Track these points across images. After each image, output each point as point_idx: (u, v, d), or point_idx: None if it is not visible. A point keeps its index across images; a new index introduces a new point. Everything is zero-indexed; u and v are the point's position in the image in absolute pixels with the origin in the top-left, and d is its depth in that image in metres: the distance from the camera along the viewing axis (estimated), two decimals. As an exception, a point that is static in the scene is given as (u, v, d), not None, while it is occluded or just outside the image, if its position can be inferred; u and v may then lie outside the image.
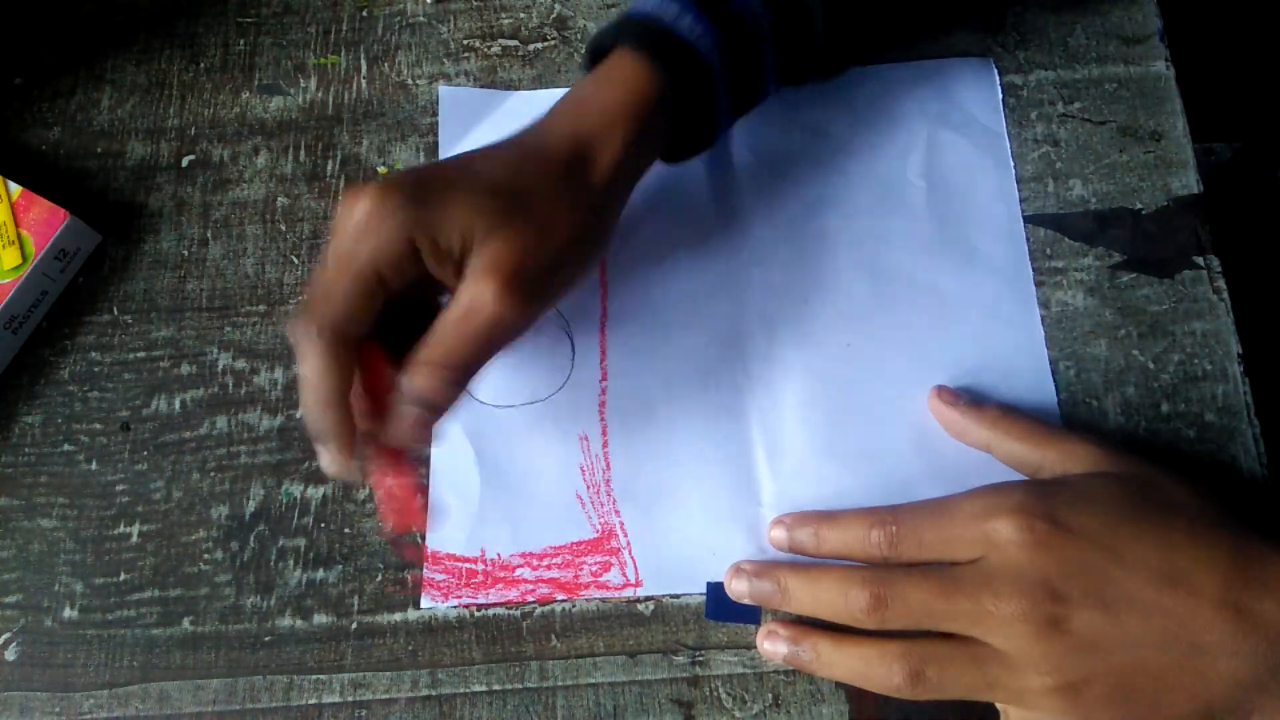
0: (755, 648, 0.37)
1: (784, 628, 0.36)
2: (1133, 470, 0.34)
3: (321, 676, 0.37)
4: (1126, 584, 0.31)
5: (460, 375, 0.33)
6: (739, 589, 0.36)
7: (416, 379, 0.32)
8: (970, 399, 0.38)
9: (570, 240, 0.34)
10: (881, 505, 0.36)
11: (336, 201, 0.44)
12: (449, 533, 0.39)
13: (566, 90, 0.37)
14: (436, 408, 0.33)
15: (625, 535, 0.38)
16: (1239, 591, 0.30)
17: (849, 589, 0.33)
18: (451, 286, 0.33)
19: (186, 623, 0.38)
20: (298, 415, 0.41)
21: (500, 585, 0.38)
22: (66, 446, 0.41)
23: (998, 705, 0.34)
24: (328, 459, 0.33)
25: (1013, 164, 0.43)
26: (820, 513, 0.37)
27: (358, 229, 0.32)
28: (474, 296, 0.32)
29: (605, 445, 0.40)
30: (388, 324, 0.34)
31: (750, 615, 0.37)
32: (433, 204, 0.32)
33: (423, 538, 0.39)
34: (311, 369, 0.32)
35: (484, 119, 0.45)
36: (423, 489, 0.38)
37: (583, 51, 0.46)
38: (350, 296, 0.32)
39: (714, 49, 0.36)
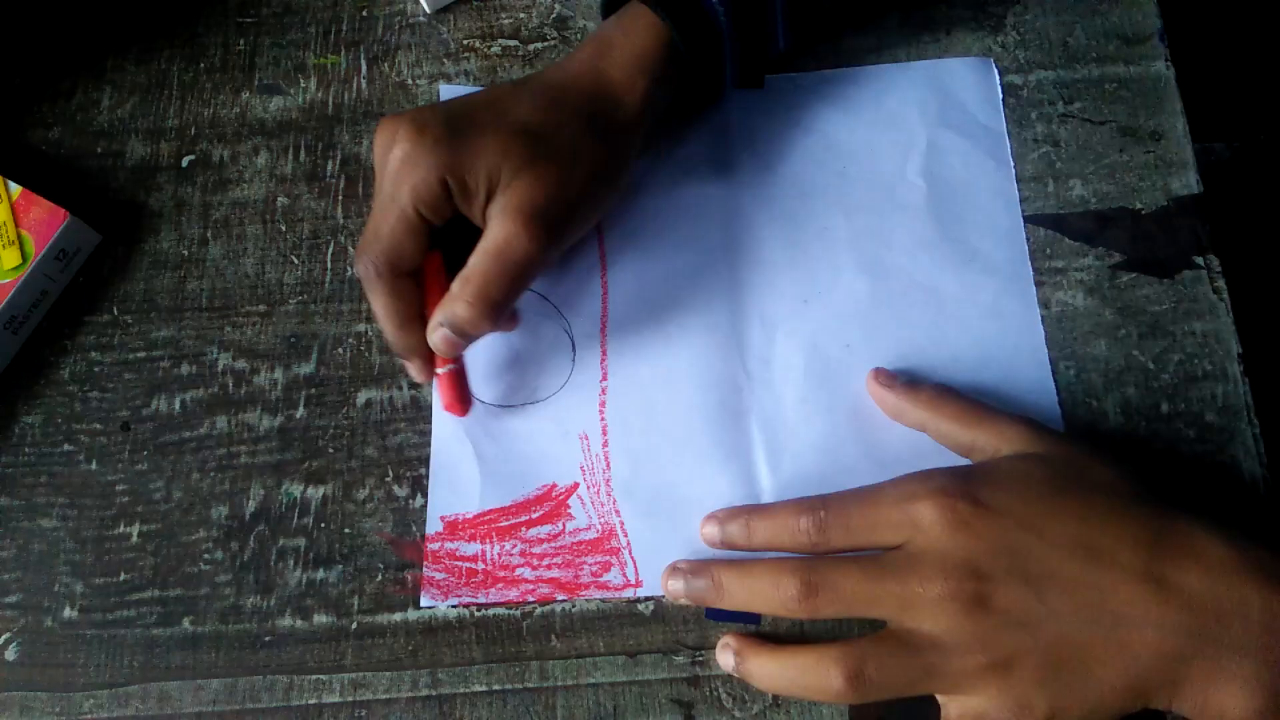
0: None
1: (731, 637, 0.36)
2: (1058, 451, 0.35)
3: (321, 676, 0.37)
4: (1049, 560, 0.31)
5: (490, 309, 0.35)
6: (675, 589, 0.36)
7: (453, 310, 0.35)
8: (907, 380, 0.39)
9: (590, 178, 0.37)
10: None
11: (338, 201, 0.44)
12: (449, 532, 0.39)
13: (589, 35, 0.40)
14: (466, 334, 0.36)
15: (625, 535, 0.38)
16: (1160, 565, 0.31)
17: (780, 578, 0.33)
18: (479, 223, 0.36)
19: (186, 623, 0.38)
20: (298, 415, 0.41)
21: (500, 585, 0.38)
22: (66, 446, 0.41)
23: (938, 699, 0.34)
24: (414, 370, 0.38)
25: (1013, 164, 0.43)
26: (750, 506, 0.37)
27: (396, 170, 0.35)
28: (501, 235, 0.35)
29: (605, 445, 0.40)
30: (449, 232, 0.37)
31: (750, 616, 0.37)
32: (462, 145, 0.35)
33: (423, 536, 0.39)
34: (379, 304, 0.36)
35: (484, 119, 0.45)
36: (461, 376, 0.39)
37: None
38: (397, 235, 0.35)
39: (726, 14, 0.38)
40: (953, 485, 0.33)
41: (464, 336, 0.36)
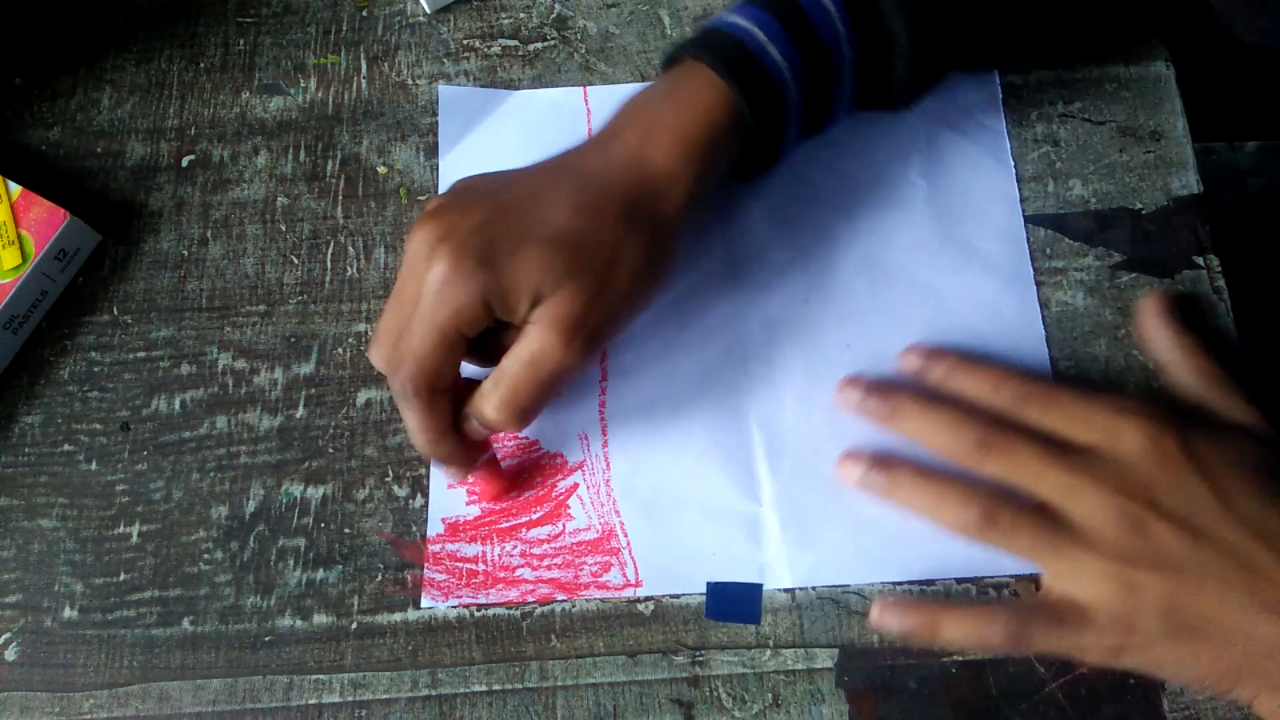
0: (755, 648, 0.37)
1: (866, 456, 0.36)
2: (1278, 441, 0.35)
3: (321, 676, 0.37)
4: (1221, 523, 0.32)
5: (519, 416, 0.35)
6: (850, 398, 0.37)
7: (482, 412, 0.35)
8: (1179, 319, 0.39)
9: (632, 281, 0.35)
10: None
11: (338, 201, 0.44)
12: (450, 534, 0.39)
13: (637, 93, 0.37)
14: (496, 431, 0.36)
15: (625, 535, 0.38)
16: None
17: (962, 423, 0.35)
18: (518, 324, 0.35)
19: (186, 623, 0.38)
20: (298, 415, 0.41)
21: (500, 585, 0.38)
22: (66, 446, 0.41)
23: (1043, 578, 0.34)
24: (449, 474, 0.38)
25: (1013, 164, 0.43)
26: (959, 356, 0.38)
27: (437, 294, 0.33)
28: (539, 346, 0.34)
29: (605, 445, 0.40)
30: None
31: (750, 616, 0.37)
32: (502, 264, 0.33)
33: (423, 536, 0.39)
34: (416, 421, 0.35)
35: (484, 118, 0.45)
36: (495, 464, 0.39)
37: (584, 51, 0.46)
38: (439, 357, 0.34)
39: (797, 80, 0.36)
40: (1169, 419, 0.34)
41: (490, 432, 0.36)
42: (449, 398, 0.36)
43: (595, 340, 0.35)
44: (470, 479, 0.39)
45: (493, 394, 0.35)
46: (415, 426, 0.35)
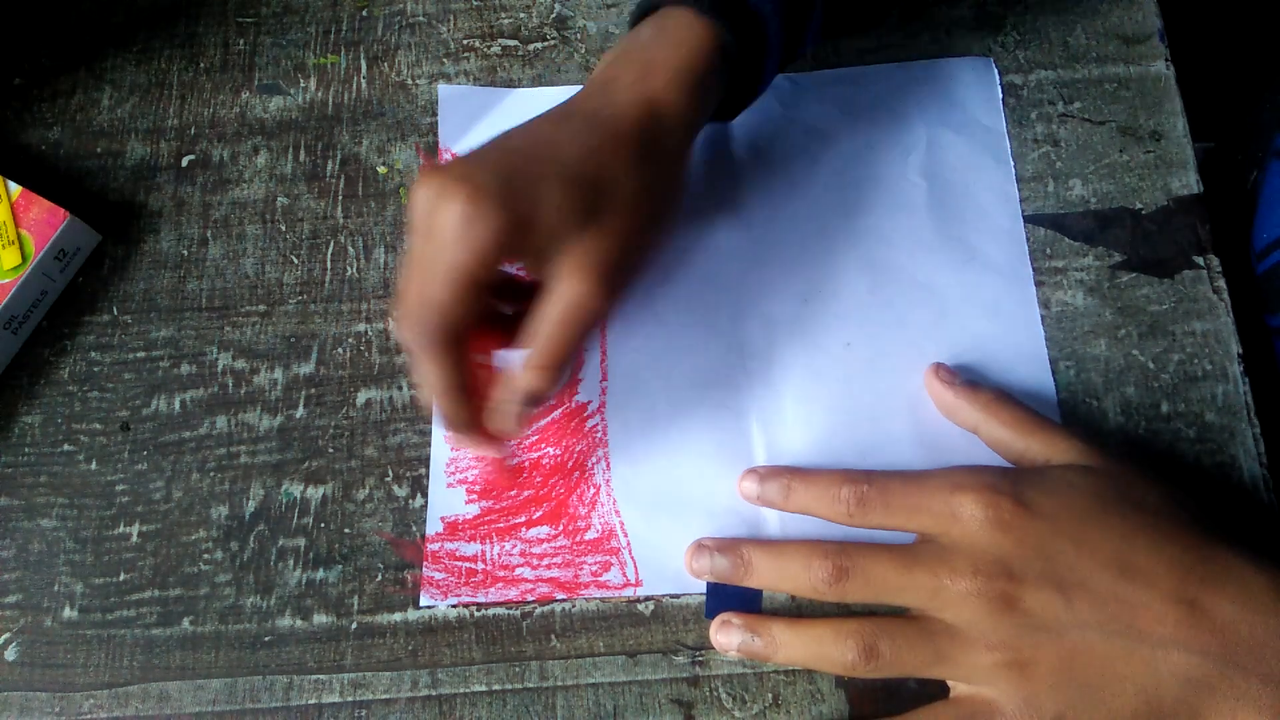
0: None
1: (738, 617, 0.36)
2: (1110, 467, 0.35)
3: (321, 676, 0.37)
4: (1083, 570, 0.31)
5: (563, 368, 0.34)
6: (700, 566, 0.36)
7: (526, 381, 0.34)
8: (966, 380, 0.39)
9: (653, 219, 0.35)
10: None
11: (338, 201, 0.44)
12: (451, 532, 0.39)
13: (621, 42, 0.37)
14: (540, 401, 0.35)
15: (625, 535, 0.38)
16: (1195, 588, 0.31)
17: (811, 559, 0.34)
18: (535, 275, 0.34)
19: (186, 623, 0.38)
20: (298, 415, 0.41)
21: (500, 585, 0.38)
22: (66, 446, 0.41)
23: (948, 682, 0.34)
24: (474, 447, 0.37)
25: (1013, 164, 0.43)
26: (792, 468, 0.37)
27: (453, 237, 0.31)
28: (572, 295, 0.33)
29: (605, 445, 0.40)
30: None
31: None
32: (521, 201, 0.32)
33: (423, 536, 0.39)
34: (432, 374, 0.33)
35: (484, 117, 0.45)
36: (510, 456, 0.39)
37: (584, 50, 0.46)
38: (455, 303, 0.32)
39: (776, 13, 0.37)
40: (1000, 483, 0.33)
41: (539, 404, 0.35)
42: (464, 355, 0.34)
43: (624, 281, 0.34)
44: (483, 458, 0.39)
45: (534, 359, 0.33)
46: (434, 382, 0.34)
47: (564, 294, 0.33)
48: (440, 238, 0.32)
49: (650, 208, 0.35)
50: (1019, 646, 0.31)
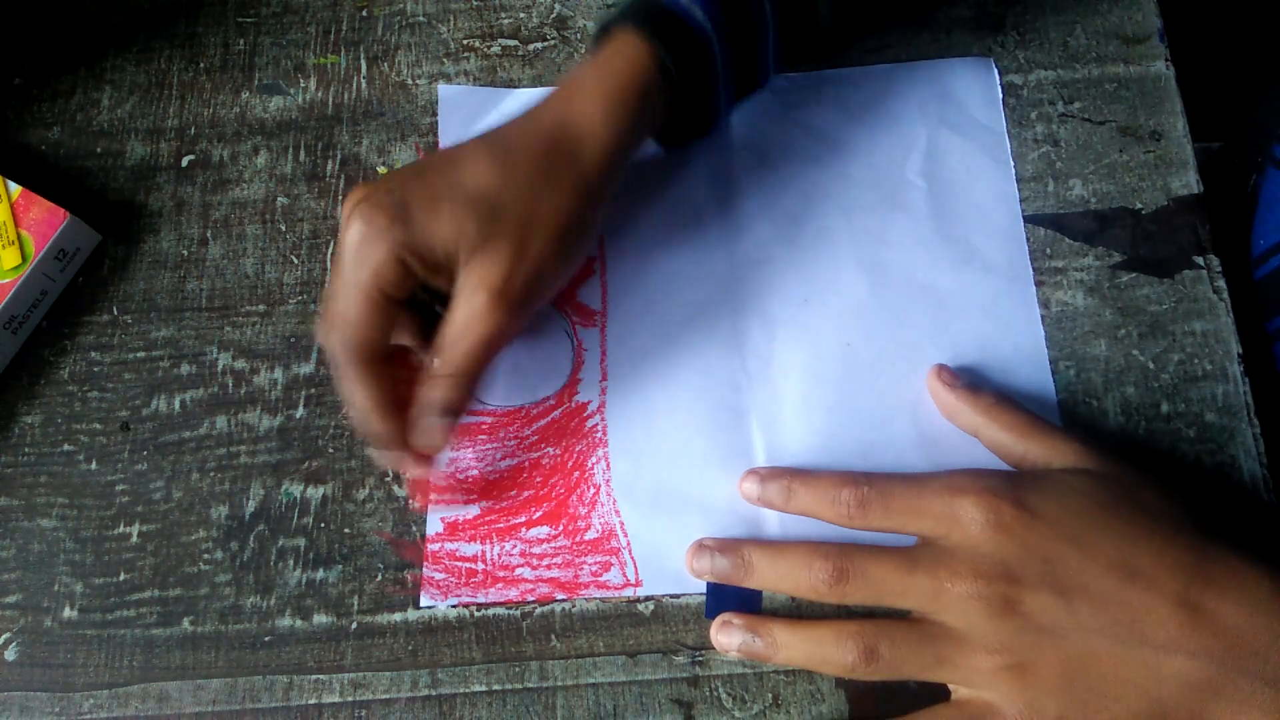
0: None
1: (738, 618, 0.36)
2: (1111, 471, 0.34)
3: (321, 676, 0.37)
4: (1084, 573, 0.31)
5: (469, 381, 0.35)
6: (700, 566, 0.36)
7: (433, 393, 0.35)
8: (969, 382, 0.38)
9: (553, 239, 0.35)
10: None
11: (338, 201, 0.44)
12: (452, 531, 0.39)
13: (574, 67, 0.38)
14: (455, 412, 0.35)
15: (625, 535, 0.38)
16: (1198, 592, 0.31)
17: (812, 560, 0.34)
18: (446, 291, 0.35)
19: (186, 623, 0.38)
20: (298, 415, 0.41)
21: (500, 585, 0.38)
22: (66, 446, 0.41)
23: (949, 685, 0.34)
24: (404, 463, 0.36)
25: (1013, 164, 0.43)
26: (793, 469, 0.37)
27: (354, 254, 0.34)
28: (467, 312, 0.34)
29: (605, 445, 0.40)
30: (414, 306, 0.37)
31: (750, 615, 0.37)
32: (416, 224, 0.34)
33: (423, 536, 0.39)
34: (351, 389, 0.35)
35: (484, 118, 0.45)
36: (443, 475, 0.39)
37: (583, 50, 0.46)
38: (365, 317, 0.34)
39: (716, 31, 0.37)
40: (1001, 487, 0.33)
41: (455, 415, 0.35)
42: (385, 372, 0.35)
43: (524, 301, 0.35)
44: (408, 473, 0.38)
45: (436, 369, 0.35)
46: (349, 394, 0.35)
47: (463, 308, 0.34)
48: (345, 256, 0.34)
49: (552, 230, 0.35)
50: (1019, 650, 0.31)
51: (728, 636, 0.36)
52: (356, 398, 0.35)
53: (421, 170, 0.35)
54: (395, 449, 0.36)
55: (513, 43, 0.47)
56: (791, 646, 0.34)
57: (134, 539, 0.39)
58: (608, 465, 0.39)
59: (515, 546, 0.38)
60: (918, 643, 0.32)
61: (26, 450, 0.41)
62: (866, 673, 0.33)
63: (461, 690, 0.37)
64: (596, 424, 0.40)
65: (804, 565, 0.34)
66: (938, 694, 0.34)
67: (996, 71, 0.45)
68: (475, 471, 0.39)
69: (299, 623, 0.38)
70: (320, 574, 0.38)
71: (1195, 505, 0.34)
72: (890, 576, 0.33)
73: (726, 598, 0.37)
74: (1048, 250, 0.42)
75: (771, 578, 0.35)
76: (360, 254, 0.34)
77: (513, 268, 0.34)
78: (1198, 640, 0.30)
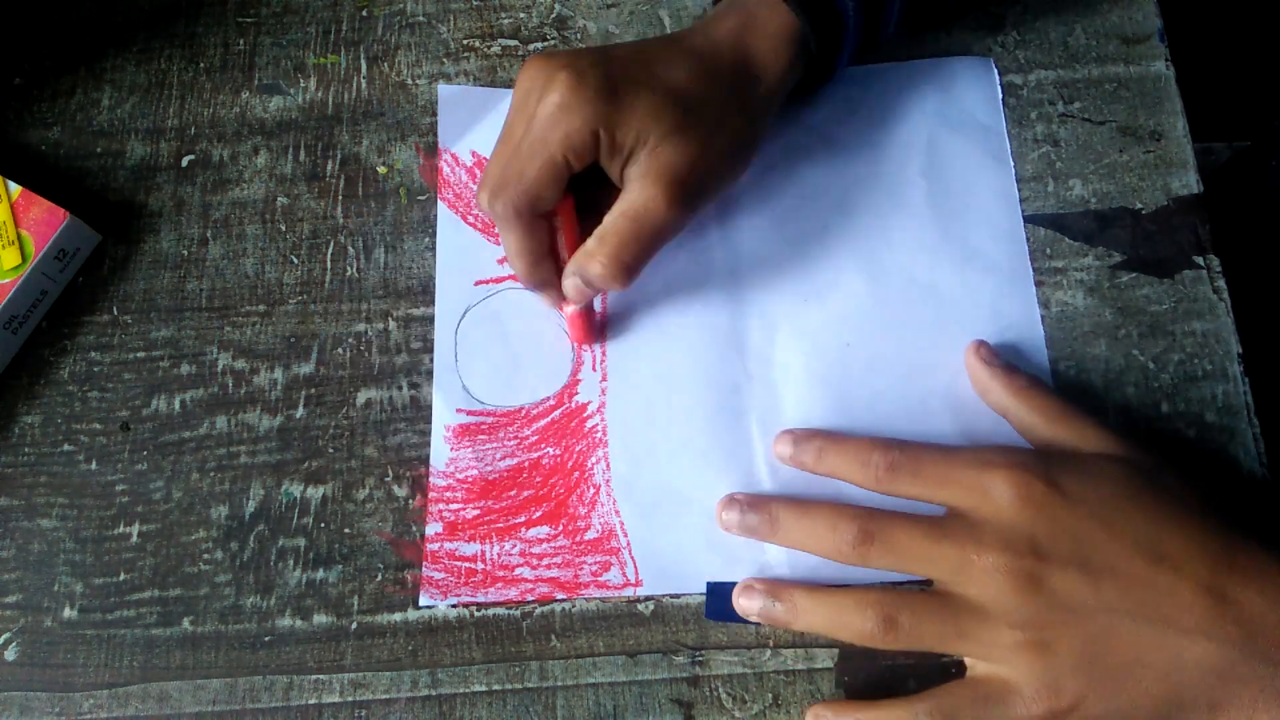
0: (755, 648, 0.37)
1: (760, 583, 0.36)
2: (1140, 458, 0.35)
3: (321, 676, 0.37)
4: (1112, 553, 0.31)
5: (623, 270, 0.36)
6: (730, 519, 0.37)
7: (586, 268, 0.36)
8: (1006, 363, 0.38)
9: (729, 150, 0.37)
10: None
11: (338, 201, 0.44)
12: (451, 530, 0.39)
13: (724, 5, 0.39)
14: (598, 291, 0.38)
15: (625, 535, 0.38)
16: (1224, 578, 0.31)
17: (839, 521, 0.34)
18: (615, 178, 0.37)
19: (186, 623, 0.38)
20: (298, 415, 0.41)
21: (499, 584, 0.38)
22: (66, 446, 0.41)
23: (965, 660, 0.34)
24: (546, 300, 0.40)
25: (1013, 164, 0.43)
26: (825, 431, 0.38)
27: (550, 117, 0.35)
28: (641, 199, 0.35)
29: (605, 444, 0.40)
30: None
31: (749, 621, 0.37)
32: (618, 101, 0.35)
33: (422, 536, 0.39)
34: (515, 243, 0.37)
35: (484, 118, 0.45)
36: (589, 313, 0.41)
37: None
38: (542, 180, 0.35)
39: (857, 10, 0.38)
40: (1033, 463, 0.33)
41: (595, 290, 0.37)
42: (546, 223, 0.37)
43: (694, 199, 0.36)
44: (564, 311, 0.40)
45: (598, 251, 0.36)
46: (514, 249, 0.37)
47: (634, 195, 0.35)
48: (539, 115, 0.35)
49: (731, 137, 0.37)
50: (1042, 626, 0.31)
51: (749, 600, 0.36)
52: (520, 251, 0.37)
53: (620, 56, 0.36)
54: (542, 290, 0.39)
55: (513, 43, 0.47)
56: (812, 612, 0.34)
57: (134, 539, 0.39)
58: (608, 465, 0.39)
59: (515, 546, 0.38)
60: (939, 614, 0.32)
61: (26, 450, 0.41)
62: (885, 641, 0.33)
63: (461, 690, 0.37)
64: (596, 424, 0.40)
65: (830, 525, 0.34)
66: (938, 694, 0.34)
67: (996, 71, 0.45)
68: (475, 472, 0.39)
69: (299, 623, 0.38)
70: (320, 574, 0.38)
71: (1218, 496, 0.34)
72: (916, 544, 0.33)
73: (727, 597, 0.37)
74: (1048, 250, 0.42)
75: (797, 535, 0.35)
76: (557, 117, 0.34)
77: (696, 162, 0.35)
78: (1221, 627, 0.30)
